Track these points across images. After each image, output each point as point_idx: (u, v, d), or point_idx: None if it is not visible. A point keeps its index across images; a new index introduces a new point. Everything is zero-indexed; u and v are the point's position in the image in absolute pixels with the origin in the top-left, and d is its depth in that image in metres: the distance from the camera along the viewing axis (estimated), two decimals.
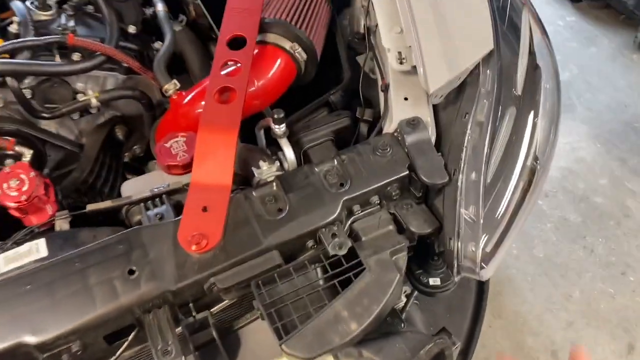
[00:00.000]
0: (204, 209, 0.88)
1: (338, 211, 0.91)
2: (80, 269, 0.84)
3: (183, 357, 0.80)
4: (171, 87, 1.09)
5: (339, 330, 0.82)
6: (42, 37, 1.12)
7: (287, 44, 1.11)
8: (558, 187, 2.23)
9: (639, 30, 2.70)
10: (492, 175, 0.95)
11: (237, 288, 0.88)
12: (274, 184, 0.93)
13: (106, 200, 1.01)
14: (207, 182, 0.91)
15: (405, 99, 1.02)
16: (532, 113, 1.02)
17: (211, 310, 0.91)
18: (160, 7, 1.29)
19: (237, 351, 0.90)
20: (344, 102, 1.16)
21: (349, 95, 1.17)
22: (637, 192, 2.18)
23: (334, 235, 0.89)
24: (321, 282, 0.89)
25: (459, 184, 0.92)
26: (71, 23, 1.18)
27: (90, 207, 0.99)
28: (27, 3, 1.21)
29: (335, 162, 0.95)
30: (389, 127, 1.00)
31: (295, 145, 1.06)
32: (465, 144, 0.95)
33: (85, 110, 1.17)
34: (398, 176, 0.94)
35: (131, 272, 0.84)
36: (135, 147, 1.33)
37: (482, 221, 0.91)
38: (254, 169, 0.98)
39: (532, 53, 1.10)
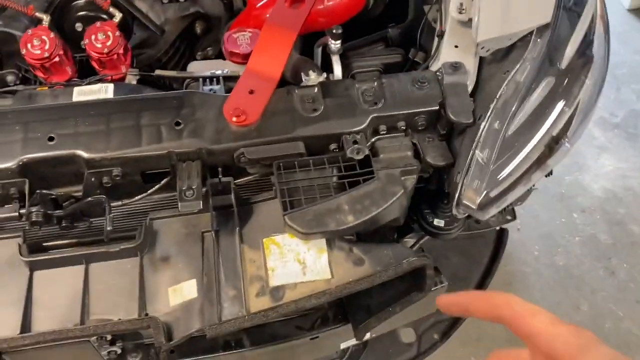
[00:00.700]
0: (251, 92, 1.00)
1: (365, 124, 1.00)
2: (136, 110, 0.98)
3: (201, 202, 0.93)
4: None
5: (336, 218, 0.93)
6: None
7: None
8: (598, 206, 2.23)
9: None
10: (513, 131, 1.02)
11: (261, 164, 1.00)
12: (316, 87, 1.03)
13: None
14: (260, 71, 1.02)
15: (456, 46, 1.10)
16: (570, 91, 1.08)
17: (235, 181, 1.03)
18: None
19: (247, 221, 1.01)
20: (401, 41, 1.24)
21: (407, 37, 1.25)
22: None
23: (355, 142, 0.99)
24: (334, 180, 1.00)
25: (481, 128, 1.00)
26: None
27: (158, 71, 1.13)
28: None
29: (375, 83, 1.04)
30: (433, 66, 1.08)
31: (345, 68, 1.16)
32: (497, 96, 1.02)
33: None
34: (428, 109, 1.02)
35: (177, 123, 0.97)
36: (208, 48, 1.46)
37: (492, 166, 0.99)
38: (303, 75, 1.09)
39: (587, 40, 1.14)
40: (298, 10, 1.07)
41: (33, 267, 0.95)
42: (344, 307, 1.14)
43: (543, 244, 2.12)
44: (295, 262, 0.96)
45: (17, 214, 0.92)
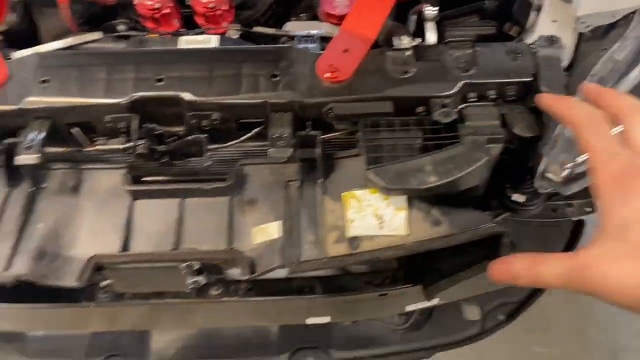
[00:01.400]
0: (345, 50, 1.04)
1: (455, 90, 1.02)
2: (237, 60, 1.04)
3: (291, 150, 0.99)
4: None
5: (418, 177, 0.95)
6: None
7: None
8: None
9: None
10: None
11: (348, 120, 1.04)
12: (408, 50, 1.06)
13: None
14: (355, 31, 1.06)
15: (554, 21, 1.09)
16: None
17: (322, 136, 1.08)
18: None
19: (330, 174, 1.06)
20: (496, 14, 1.24)
21: (503, 11, 1.24)
22: None
23: (443, 106, 1.01)
24: (418, 141, 1.02)
25: None
26: None
27: (256, 28, 1.20)
28: None
29: (468, 51, 1.05)
30: (529, 39, 1.08)
31: (439, 36, 1.17)
32: (592, 73, 1.01)
33: None
34: (520, 80, 1.02)
35: (274, 75, 1.03)
36: (302, 14, 1.51)
37: None
38: (395, 40, 1.11)
39: None
40: None
41: (135, 196, 1.04)
42: (414, 269, 1.17)
43: None
44: (373, 216, 1.00)
45: (124, 146, 1.02)
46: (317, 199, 1.03)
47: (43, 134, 0.99)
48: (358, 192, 1.03)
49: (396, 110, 1.03)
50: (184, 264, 0.99)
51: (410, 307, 1.23)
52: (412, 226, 0.98)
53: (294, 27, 1.23)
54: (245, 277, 0.95)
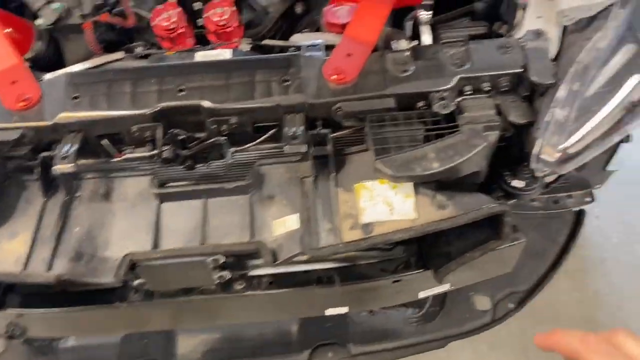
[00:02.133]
0: (348, 54, 1.14)
1: (452, 84, 1.11)
2: (251, 68, 1.13)
3: (305, 147, 1.07)
4: None
5: (422, 164, 1.03)
6: None
7: None
8: None
9: None
10: (593, 93, 1.09)
11: (356, 117, 1.12)
12: (407, 51, 1.15)
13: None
14: (357, 37, 1.16)
15: (539, 17, 1.18)
16: None
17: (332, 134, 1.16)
18: None
19: (342, 168, 1.14)
20: (486, 15, 1.33)
21: (492, 11, 1.34)
22: None
23: (442, 99, 1.09)
24: (421, 133, 1.10)
25: (561, 89, 1.07)
26: None
27: (266, 41, 1.29)
28: None
29: (462, 48, 1.14)
30: (517, 35, 1.17)
31: (434, 39, 1.27)
32: (577, 60, 1.09)
33: None
34: (511, 71, 1.11)
35: (285, 80, 1.12)
36: (305, 30, 1.61)
37: (570, 124, 1.06)
38: (394, 43, 1.21)
39: None
40: None
41: (162, 198, 1.13)
42: (425, 255, 1.24)
43: (623, 232, 2.11)
44: (384, 204, 1.08)
45: (150, 154, 1.10)
46: (331, 191, 1.11)
47: (76, 146, 1.07)
48: (368, 183, 1.11)
49: (399, 106, 1.11)
50: (210, 259, 1.07)
51: (423, 294, 1.30)
52: (420, 210, 1.06)
53: (299, 38, 1.33)
54: (269, 266, 1.02)
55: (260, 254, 1.03)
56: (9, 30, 1.26)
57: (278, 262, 1.02)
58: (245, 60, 1.16)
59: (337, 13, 1.25)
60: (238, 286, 1.19)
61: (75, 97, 1.12)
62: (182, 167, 1.13)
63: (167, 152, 1.08)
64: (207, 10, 1.32)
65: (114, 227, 1.11)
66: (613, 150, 1.54)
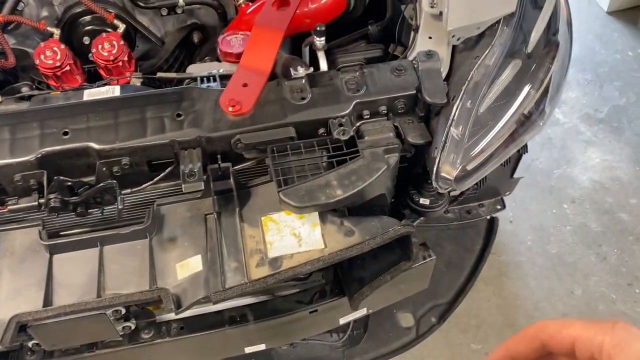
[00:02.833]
0: (244, 85, 1.11)
1: (350, 109, 1.10)
2: (140, 104, 1.08)
3: (202, 183, 1.03)
4: None
5: (326, 192, 1.02)
6: None
7: None
8: (586, 197, 2.31)
9: None
10: (485, 109, 1.12)
11: (256, 149, 1.09)
12: (303, 79, 1.14)
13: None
14: (252, 66, 1.13)
15: (430, 37, 1.20)
16: (537, 72, 1.17)
17: (233, 167, 1.12)
18: None
19: (246, 202, 1.10)
20: (381, 38, 1.35)
21: (386, 34, 1.36)
22: None
23: (341, 125, 1.08)
24: (323, 160, 1.09)
25: (455, 107, 1.10)
26: None
27: (159, 74, 1.24)
28: None
29: (357, 73, 1.14)
30: (410, 57, 1.19)
31: (331, 64, 1.27)
32: (468, 78, 1.12)
33: (172, 9, 1.43)
34: (406, 93, 1.12)
35: (179, 115, 1.07)
36: (206, 57, 1.57)
37: (466, 141, 1.08)
38: (292, 70, 1.19)
39: (552, 27, 1.25)
40: (284, 12, 1.18)
41: (52, 250, 1.04)
42: (339, 282, 1.22)
43: (535, 235, 2.19)
44: (292, 236, 1.05)
45: (36, 203, 1.02)
46: (236, 227, 1.07)
47: None
48: (275, 216, 1.08)
49: (299, 134, 1.10)
50: (110, 310, 1.00)
51: (343, 320, 1.28)
52: (328, 239, 1.04)
53: (195, 69, 1.29)
54: (173, 313, 0.96)
55: (163, 301, 0.97)
56: None
57: (182, 308, 0.97)
58: (135, 96, 1.10)
59: (232, 42, 1.22)
60: (145, 335, 1.12)
61: None
62: (73, 214, 1.06)
63: (54, 200, 1.00)
64: (95, 45, 1.25)
65: (0, 286, 1.01)
66: (517, 159, 1.60)
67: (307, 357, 1.52)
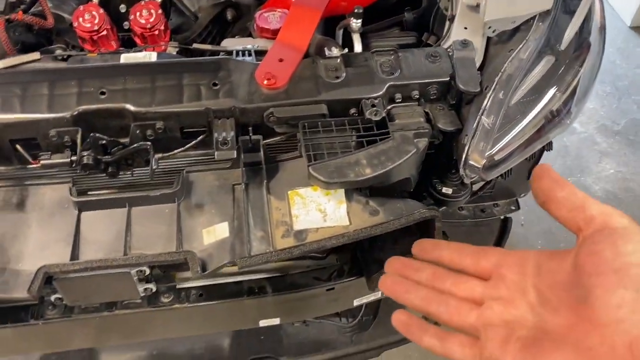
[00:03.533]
0: (280, 60, 1.12)
1: (383, 91, 1.11)
2: (178, 71, 1.09)
3: (235, 152, 1.04)
4: None
5: (355, 170, 1.03)
6: None
7: None
8: None
9: None
10: (516, 102, 1.13)
11: (288, 124, 1.11)
12: (338, 59, 1.15)
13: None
14: (288, 42, 1.15)
15: (465, 28, 1.22)
16: (568, 70, 1.19)
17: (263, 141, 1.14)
18: None
19: (274, 176, 1.11)
20: (415, 26, 1.36)
21: (421, 22, 1.37)
22: None
23: (373, 105, 1.10)
24: (353, 139, 1.10)
25: (487, 97, 1.11)
26: None
27: (195, 45, 1.26)
28: None
29: (392, 57, 1.16)
30: (444, 45, 1.20)
31: (365, 48, 1.28)
32: (502, 70, 1.13)
33: None
34: (440, 80, 1.13)
35: (215, 84, 1.09)
36: (237, 36, 1.59)
37: (496, 131, 1.09)
38: (326, 50, 1.21)
39: (585, 28, 1.26)
40: None
41: (81, 207, 1.06)
42: (358, 263, 1.23)
43: (545, 240, 2.21)
44: (317, 211, 1.06)
45: (69, 160, 1.03)
46: (263, 198, 1.08)
47: None
48: (301, 190, 1.09)
49: (331, 112, 1.11)
50: (134, 270, 1.01)
51: (357, 301, 1.29)
52: (353, 217, 1.05)
53: (230, 43, 1.30)
54: (198, 277, 0.98)
55: (188, 263, 0.98)
56: None
57: (207, 272, 0.98)
58: (173, 62, 1.12)
59: (269, 18, 1.24)
60: (165, 299, 1.13)
61: None
62: (104, 174, 1.07)
63: (87, 157, 1.02)
64: (133, 12, 1.27)
65: (28, 238, 1.03)
66: (536, 160, 1.61)
67: (316, 338, 1.53)
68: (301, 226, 1.04)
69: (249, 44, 1.26)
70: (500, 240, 1.82)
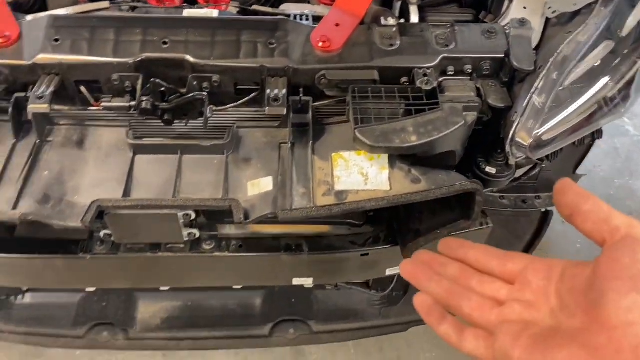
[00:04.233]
0: (337, 24, 1.14)
1: (436, 62, 1.12)
2: (237, 28, 1.13)
3: (285, 109, 1.07)
4: None
5: (401, 136, 1.05)
6: None
7: None
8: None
9: None
10: (570, 84, 1.12)
11: (339, 87, 1.13)
12: (394, 27, 1.16)
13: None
14: (346, 8, 1.17)
15: (524, 7, 1.21)
16: (628, 57, 1.16)
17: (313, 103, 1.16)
18: None
19: (320, 138, 1.14)
20: (473, 3, 1.36)
21: (480, 1, 1.36)
22: None
23: (425, 75, 1.11)
24: (402, 107, 1.12)
25: (540, 76, 1.10)
26: None
27: (255, 6, 1.29)
28: None
29: (448, 30, 1.16)
30: (502, 23, 1.20)
31: (421, 21, 1.29)
32: (558, 51, 1.12)
33: None
34: (494, 56, 1.13)
35: (271, 43, 1.12)
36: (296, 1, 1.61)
37: (547, 110, 1.09)
38: (382, 20, 1.22)
39: None
40: None
41: (136, 150, 1.11)
42: (394, 233, 1.25)
43: (585, 240, 2.14)
44: (359, 174, 1.08)
45: (128, 104, 1.09)
46: (308, 158, 1.11)
47: (52, 88, 1.05)
48: (345, 154, 1.12)
49: (382, 80, 1.12)
50: (181, 213, 1.06)
51: (390, 271, 1.31)
52: (394, 183, 1.07)
53: (289, 7, 1.33)
54: (240, 224, 1.01)
55: (233, 211, 1.02)
56: None
57: (249, 220, 1.02)
58: (232, 19, 1.16)
59: None
60: (207, 246, 1.18)
61: (56, 40, 1.09)
62: (159, 121, 1.12)
63: (145, 102, 1.06)
64: None
65: (85, 174, 1.09)
66: (584, 152, 1.59)
67: (345, 306, 1.56)
68: (342, 187, 1.06)
69: (307, 9, 1.29)
70: (539, 232, 1.80)
